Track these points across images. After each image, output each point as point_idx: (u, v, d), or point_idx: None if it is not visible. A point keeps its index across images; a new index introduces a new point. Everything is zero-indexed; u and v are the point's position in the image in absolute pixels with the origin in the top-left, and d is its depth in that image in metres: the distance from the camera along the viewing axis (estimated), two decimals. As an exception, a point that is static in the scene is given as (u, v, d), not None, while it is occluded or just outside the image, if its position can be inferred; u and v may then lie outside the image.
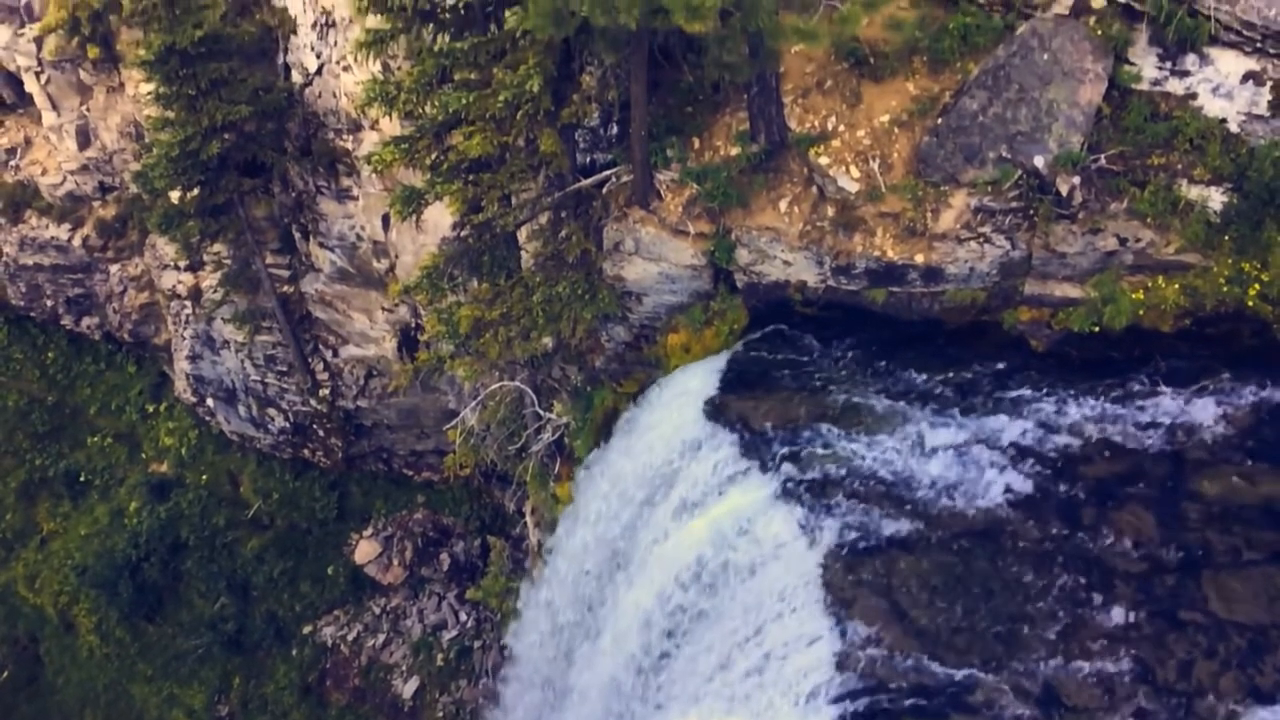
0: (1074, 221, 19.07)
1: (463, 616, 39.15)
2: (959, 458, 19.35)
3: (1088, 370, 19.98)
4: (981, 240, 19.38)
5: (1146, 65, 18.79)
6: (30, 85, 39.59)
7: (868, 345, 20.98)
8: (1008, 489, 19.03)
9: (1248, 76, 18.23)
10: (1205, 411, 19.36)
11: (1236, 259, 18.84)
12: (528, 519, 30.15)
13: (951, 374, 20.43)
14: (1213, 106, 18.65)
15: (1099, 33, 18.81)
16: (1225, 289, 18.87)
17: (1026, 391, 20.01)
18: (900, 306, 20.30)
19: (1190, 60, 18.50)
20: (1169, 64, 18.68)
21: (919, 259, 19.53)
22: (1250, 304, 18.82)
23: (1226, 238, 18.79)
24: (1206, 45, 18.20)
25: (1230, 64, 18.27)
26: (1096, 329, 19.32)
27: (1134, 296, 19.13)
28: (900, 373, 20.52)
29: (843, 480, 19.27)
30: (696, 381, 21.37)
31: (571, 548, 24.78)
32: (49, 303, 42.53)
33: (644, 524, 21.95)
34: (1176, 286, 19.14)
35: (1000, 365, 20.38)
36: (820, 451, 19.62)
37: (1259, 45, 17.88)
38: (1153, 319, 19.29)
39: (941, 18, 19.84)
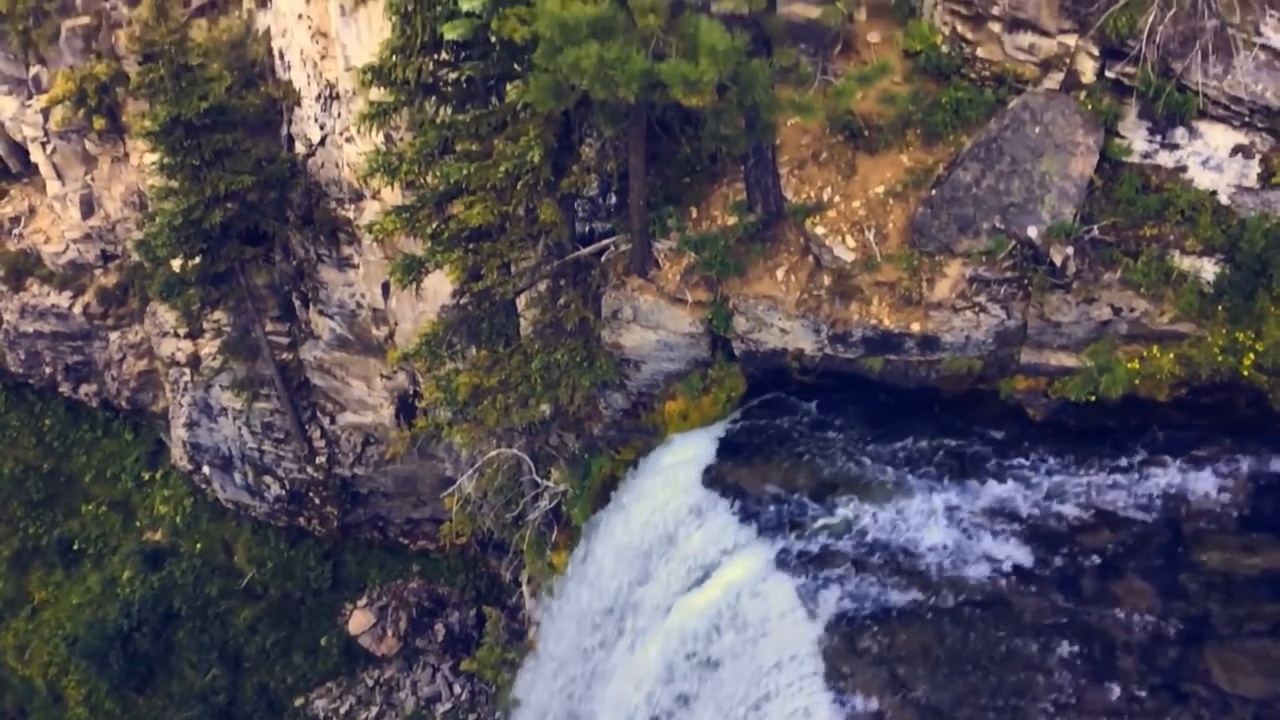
0: (1068, 291, 19.22)
1: (457, 689, 38.56)
2: (958, 527, 19.26)
3: (1085, 439, 19.98)
4: (977, 310, 19.51)
5: (1137, 139, 19.09)
6: (36, 155, 40.13)
7: (865, 413, 21.00)
8: (1008, 559, 18.92)
9: (1237, 150, 18.50)
10: (1204, 481, 19.33)
11: (1231, 329, 18.95)
12: (524, 588, 29.85)
13: (949, 442, 20.42)
14: (1203, 179, 18.91)
15: (1089, 107, 19.14)
16: (1220, 359, 18.95)
17: (1025, 460, 19.99)
18: (897, 375, 20.36)
19: (1180, 134, 18.79)
20: (1159, 137, 18.97)
21: (915, 328, 19.64)
22: (1245, 374, 18.90)
23: (1220, 308, 18.92)
24: (1195, 119, 18.47)
25: (1219, 137, 18.54)
26: (1093, 398, 19.36)
27: (1130, 366, 19.20)
28: (898, 441, 20.51)
29: (841, 549, 19.16)
30: (694, 449, 21.34)
31: (567, 619, 24.50)
32: (48, 370, 42.56)
33: (641, 595, 21.74)
34: (1172, 356, 19.23)
35: (998, 434, 20.39)
36: (819, 520, 19.54)
37: (1247, 119, 18.17)
38: (1149, 388, 19.35)
39: (934, 92, 20.20)
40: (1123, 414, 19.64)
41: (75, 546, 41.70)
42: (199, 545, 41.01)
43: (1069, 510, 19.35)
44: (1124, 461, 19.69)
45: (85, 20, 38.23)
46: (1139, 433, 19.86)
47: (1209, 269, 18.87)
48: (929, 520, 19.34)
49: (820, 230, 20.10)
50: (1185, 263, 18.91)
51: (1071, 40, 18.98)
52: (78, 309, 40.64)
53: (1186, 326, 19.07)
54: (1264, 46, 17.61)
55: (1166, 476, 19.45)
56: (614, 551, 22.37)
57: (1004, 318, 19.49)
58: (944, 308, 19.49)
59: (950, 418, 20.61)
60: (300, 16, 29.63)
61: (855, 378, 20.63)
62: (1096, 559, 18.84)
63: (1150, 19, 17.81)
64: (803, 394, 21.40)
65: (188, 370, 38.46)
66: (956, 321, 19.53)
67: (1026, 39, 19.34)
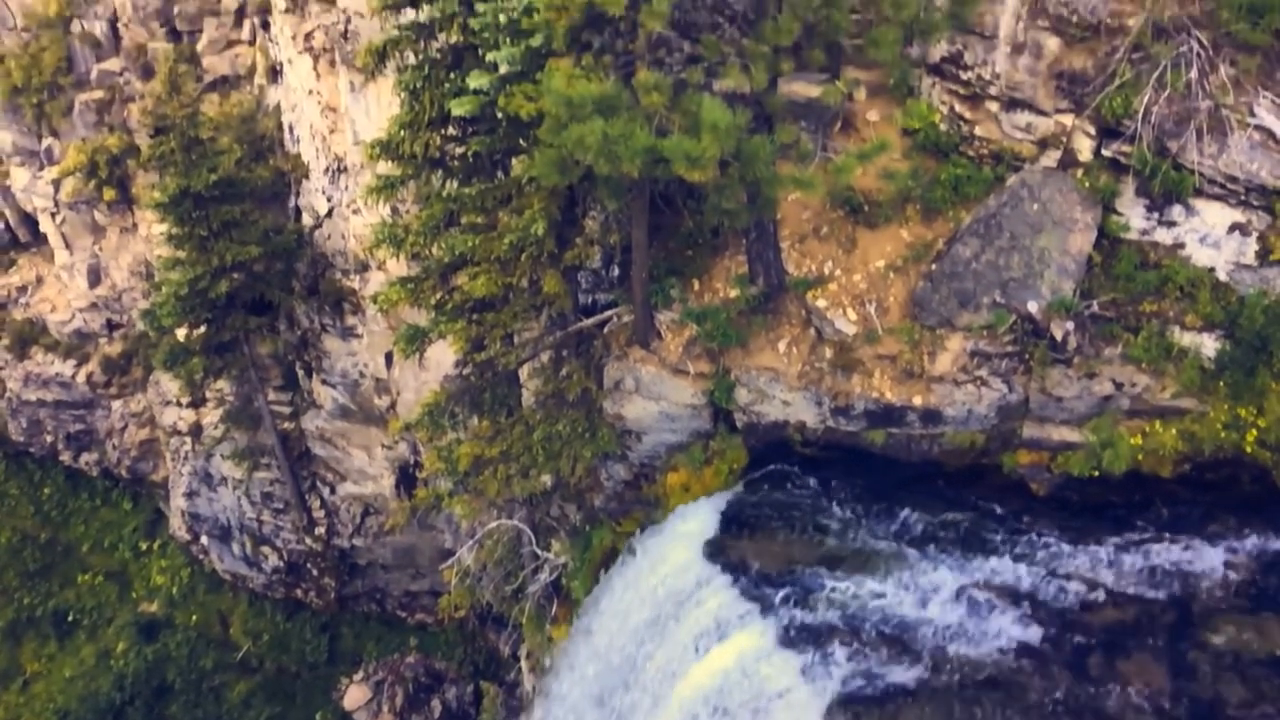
0: (1069, 366, 19.26)
1: (454, 767, 37.81)
2: (962, 603, 19.05)
3: (1089, 515, 19.84)
4: (978, 383, 19.53)
5: (1134, 216, 19.28)
6: (45, 225, 40.60)
7: (868, 487, 20.89)
8: (1013, 636, 18.68)
9: (1234, 227, 18.67)
10: (1209, 559, 19.14)
11: (1232, 405, 18.93)
12: (523, 663, 29.42)
13: (953, 517, 20.28)
14: (1201, 256, 19.06)
15: (1086, 185, 19.38)
16: (1223, 435, 18.90)
17: (1029, 536, 19.82)
18: (900, 448, 20.31)
19: (1177, 211, 18.98)
20: (1156, 215, 19.16)
21: (917, 401, 19.65)
22: (1249, 450, 18.83)
23: (1221, 384, 18.92)
24: (1192, 197, 18.67)
25: (1216, 215, 18.73)
26: (1096, 473, 19.27)
27: (1132, 441, 19.14)
28: (901, 515, 20.38)
29: (845, 625, 18.93)
30: (696, 522, 21.20)
31: (568, 695, 24.12)
32: (49, 438, 42.53)
33: (643, 670, 21.43)
34: (1174, 431, 19.18)
35: (1001, 509, 20.25)
36: (822, 595, 19.33)
37: (1243, 198, 18.37)
38: (1152, 464, 19.27)
39: (933, 169, 20.48)
40: (1126, 489, 19.52)
41: (70, 618, 41.23)
42: (195, 617, 40.55)
43: (1074, 587, 19.14)
44: (1129, 538, 19.52)
45: (99, 94, 38.99)
46: (1143, 509, 19.72)
47: (1209, 345, 18.92)
48: (933, 596, 19.13)
49: (821, 303, 20.23)
50: (1185, 339, 18.96)
51: (1068, 120, 19.29)
52: (81, 378, 40.76)
53: (1188, 402, 19.06)
54: (1258, 127, 17.87)
55: (1172, 554, 19.27)
56: (615, 625, 22.10)
57: (1005, 392, 19.50)
58: (945, 381, 19.52)
59: (953, 492, 20.51)
60: (310, 92, 30.20)
61: (858, 451, 20.57)
62: (1103, 637, 18.58)
63: (1145, 100, 18.12)
64: (805, 466, 21.32)
65: (189, 439, 38.43)
66: (958, 395, 19.54)
67: (1023, 118, 19.66)
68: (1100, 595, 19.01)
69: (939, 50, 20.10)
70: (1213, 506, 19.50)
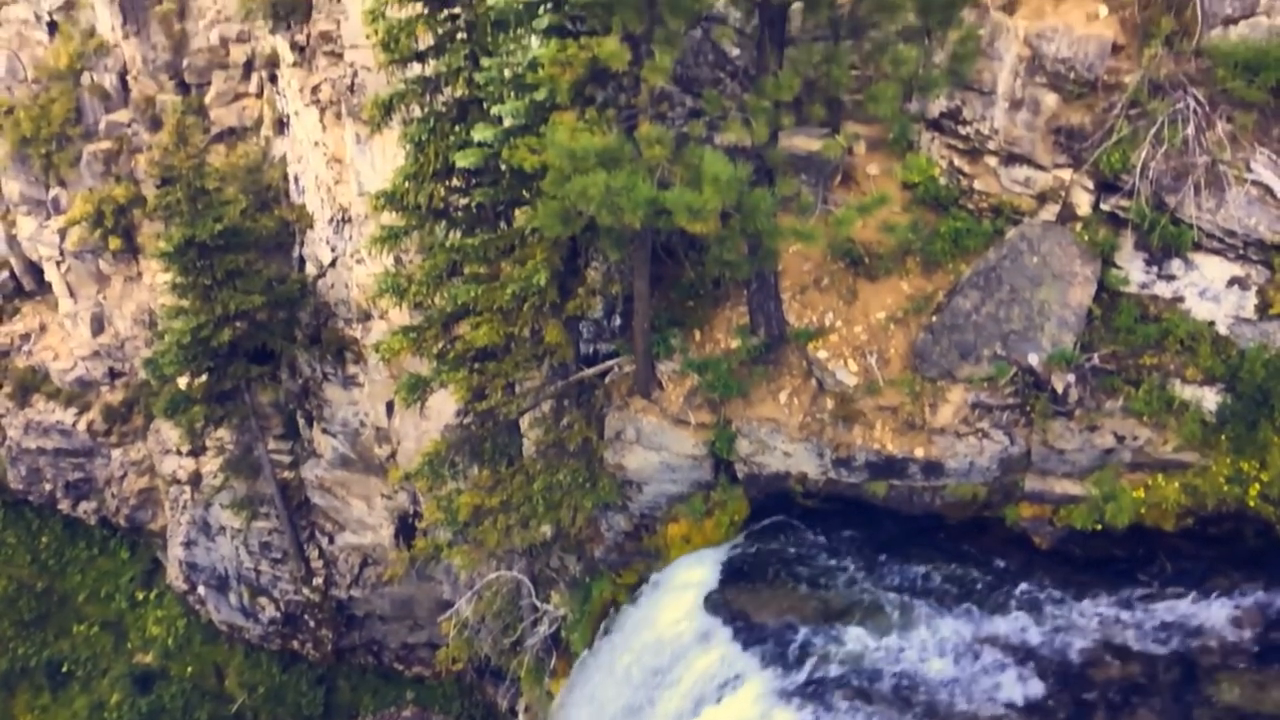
0: (1071, 419, 19.24)
1: (449, 823, 37.20)
2: (965, 657, 18.86)
3: (1093, 569, 19.71)
4: (980, 435, 19.51)
5: (1133, 269, 19.38)
6: (50, 274, 40.84)
7: (870, 539, 20.78)
8: (1016, 692, 18.45)
9: (1233, 281, 18.75)
10: (1214, 614, 18.97)
11: (1235, 458, 18.87)
12: (521, 717, 29.07)
13: (955, 570, 20.15)
14: (1201, 309, 19.12)
15: (1085, 238, 19.49)
16: (1226, 488, 18.82)
17: (1032, 590, 19.67)
18: (902, 500, 20.23)
19: (1176, 265, 19.07)
20: (1155, 268, 19.25)
21: (919, 453, 19.61)
22: (1252, 504, 18.74)
23: (1223, 437, 18.89)
24: (1191, 251, 18.77)
25: (1215, 269, 18.82)
26: (1099, 527, 19.18)
27: (1135, 495, 19.07)
28: (903, 568, 20.25)
29: (847, 679, 18.72)
30: (697, 574, 21.06)
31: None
32: (48, 486, 42.41)
33: (641, 724, 21.18)
34: (1177, 485, 19.11)
35: (1004, 562, 20.13)
36: (823, 650, 19.14)
37: (1241, 252, 18.47)
38: (1155, 517, 19.18)
39: (933, 222, 20.63)
40: (1130, 543, 19.41)
41: (65, 668, 40.82)
42: (190, 668, 40.13)
43: (1078, 642, 18.96)
44: (1133, 593, 19.37)
45: (106, 145, 39.43)
46: (1147, 563, 19.59)
47: (1210, 398, 18.92)
48: (935, 651, 18.94)
49: (822, 354, 20.27)
50: (1186, 392, 18.96)
51: (1066, 174, 19.46)
52: (82, 426, 40.74)
53: (1190, 456, 19.01)
54: (1255, 182, 18.01)
55: (1177, 609, 19.10)
56: (614, 679, 21.86)
57: (1007, 444, 19.47)
58: (947, 433, 19.50)
59: (956, 545, 20.39)
60: (316, 144, 30.53)
61: (859, 503, 20.49)
62: (1107, 693, 18.37)
63: (1143, 155, 18.30)
64: (806, 518, 21.23)
65: (188, 488, 38.32)
66: (960, 447, 19.51)
67: (1022, 172, 19.84)
68: (1104, 651, 18.82)
69: (938, 106, 20.34)
70: (1217, 561, 19.37)
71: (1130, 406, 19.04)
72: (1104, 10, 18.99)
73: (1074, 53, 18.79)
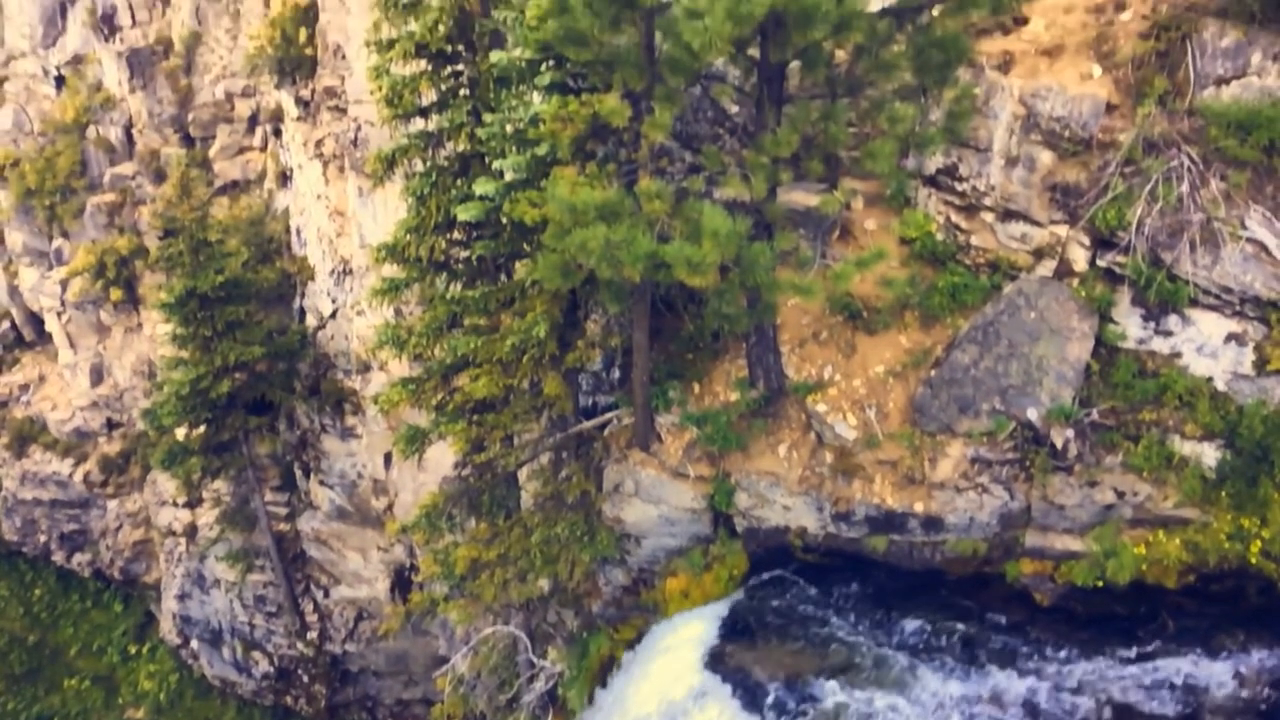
0: (1070, 474, 19.19)
1: None
2: (968, 716, 18.62)
3: (1094, 626, 19.53)
4: (980, 490, 19.45)
5: (1131, 325, 19.45)
6: (51, 324, 40.96)
7: (870, 594, 20.62)
8: (1019, 752, 18.24)
9: (1230, 337, 18.81)
10: (1218, 673, 18.76)
11: (1236, 515, 18.79)
12: (516, 776, 28.61)
13: (957, 627, 19.96)
14: (1198, 365, 19.15)
15: (1083, 294, 19.59)
16: (1227, 545, 18.71)
17: (1034, 647, 19.48)
18: (902, 555, 20.12)
19: (1173, 321, 19.15)
20: (1153, 324, 19.32)
21: (918, 507, 19.53)
22: (1254, 561, 18.62)
23: (1224, 493, 18.82)
24: (1187, 307, 18.84)
25: (1212, 325, 18.89)
26: (1101, 583, 19.03)
27: (1136, 551, 18.96)
28: (903, 624, 20.07)
29: (847, 739, 18.49)
30: (696, 629, 20.86)
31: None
32: (42, 538, 42.15)
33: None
34: (1178, 541, 19.00)
35: (1005, 619, 19.95)
36: (824, 707, 18.90)
37: (1238, 309, 18.55)
38: (1156, 574, 19.05)
39: (930, 276, 20.75)
40: (1132, 600, 19.25)
41: (54, 724, 40.29)
42: (181, 724, 39.60)
43: (1082, 701, 18.73)
44: (1136, 651, 19.17)
45: (110, 197, 39.78)
46: (1149, 620, 19.42)
47: (1210, 454, 18.88)
48: (937, 710, 18.71)
49: (822, 407, 20.27)
50: (1186, 448, 18.94)
51: (1063, 230, 19.61)
52: (78, 476, 40.60)
53: (1191, 512, 18.93)
54: (1250, 239, 18.15)
55: (1180, 667, 18.89)
56: (611, 736, 21.58)
57: (1007, 499, 19.40)
58: (947, 488, 19.44)
59: (957, 601, 20.22)
60: (319, 197, 30.79)
61: (859, 558, 20.37)
62: (1112, 753, 18.15)
63: (1138, 212, 18.45)
64: (806, 573, 21.08)
65: (184, 540, 38.09)
66: (960, 502, 19.44)
67: (1019, 228, 19.99)
68: (1107, 710, 18.60)
69: (934, 162, 20.56)
70: (1220, 619, 19.20)
71: (1130, 462, 18.99)
72: (1098, 70, 19.28)
73: (1068, 111, 19.04)
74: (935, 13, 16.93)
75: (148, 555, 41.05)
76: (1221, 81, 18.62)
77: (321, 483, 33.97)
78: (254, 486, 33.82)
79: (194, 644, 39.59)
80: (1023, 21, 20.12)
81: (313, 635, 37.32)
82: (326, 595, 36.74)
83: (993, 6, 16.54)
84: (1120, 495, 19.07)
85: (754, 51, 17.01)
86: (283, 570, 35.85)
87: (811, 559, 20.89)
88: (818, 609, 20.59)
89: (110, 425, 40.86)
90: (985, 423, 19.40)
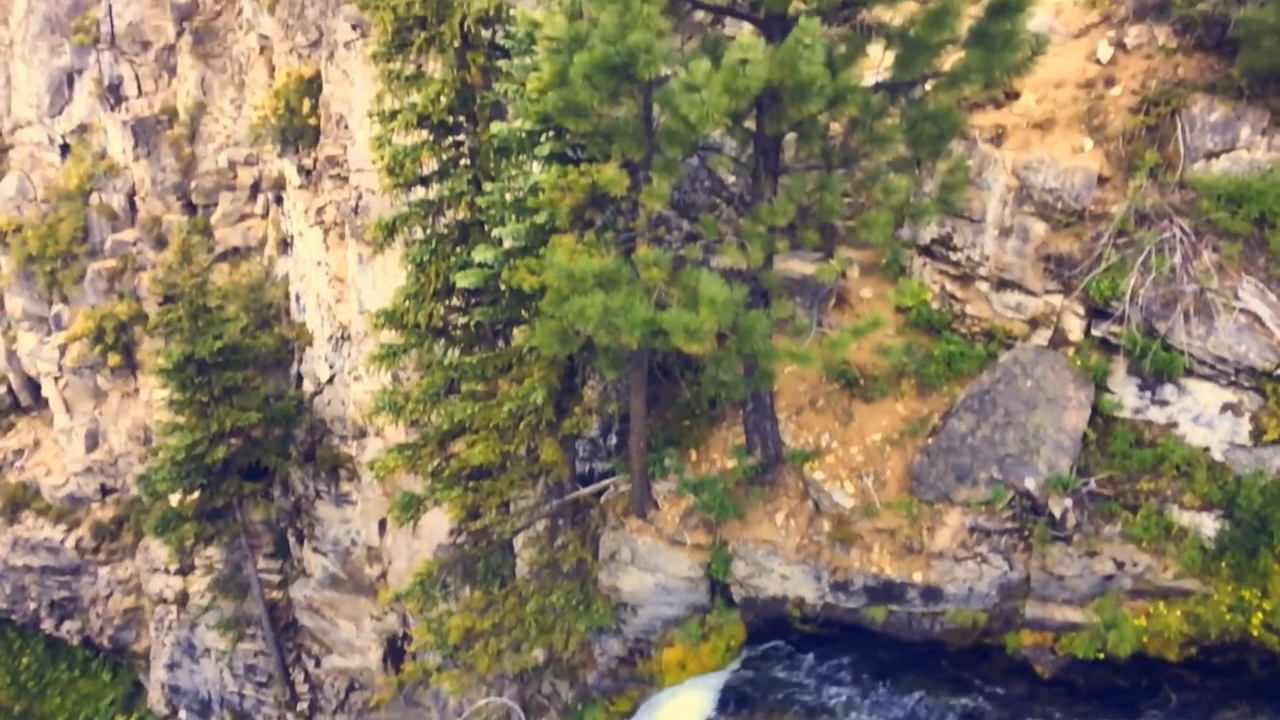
0: (1069, 544, 19.07)
1: None
2: (968, 792, 18.31)
3: (1096, 699, 19.29)
4: (979, 560, 19.32)
5: (1127, 394, 19.49)
6: (48, 389, 40.93)
7: (869, 666, 20.36)
8: (1022, 829, 17.87)
9: (1226, 407, 18.84)
10: (1224, 749, 18.53)
11: (1236, 586, 18.65)
12: None
13: (956, 700, 19.71)
14: (1195, 435, 19.15)
15: (1078, 363, 19.66)
16: (1228, 617, 18.55)
17: (1035, 721, 19.25)
18: (901, 626, 19.91)
19: (1169, 391, 19.19)
20: (1149, 394, 19.36)
21: (917, 577, 19.38)
22: (1255, 634, 18.45)
23: (1223, 565, 18.70)
24: (1183, 377, 18.90)
25: (1208, 395, 18.93)
26: (1101, 655, 18.83)
27: (1137, 623, 18.78)
28: (902, 698, 19.80)
29: (846, 815, 18.13)
30: (693, 702, 20.57)
31: None
32: (32, 605, 41.65)
33: None
34: (1179, 613, 18.84)
35: (1006, 692, 19.70)
36: (821, 783, 18.59)
37: (1233, 379, 18.61)
38: (1158, 646, 18.86)
39: (926, 345, 20.83)
40: (1133, 673, 19.03)
41: (36, 797, 39.45)
42: (166, 798, 38.75)
43: (1084, 776, 18.46)
44: (1139, 725, 18.95)
45: (111, 263, 40.04)
46: (1151, 694, 19.18)
47: (1209, 525, 18.80)
48: (937, 785, 18.41)
49: (819, 475, 20.21)
50: (1184, 518, 18.86)
51: (1057, 300, 19.75)
52: (70, 543, 40.26)
53: (1191, 583, 18.80)
54: (1243, 310, 18.28)
55: (1185, 742, 18.67)
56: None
57: (1006, 569, 19.26)
58: (945, 557, 19.31)
59: (956, 673, 19.98)
60: (319, 263, 31.01)
61: (858, 628, 20.15)
62: (1117, 831, 17.79)
63: (1132, 283, 18.62)
64: (804, 644, 20.84)
65: (174, 608, 37.65)
66: (959, 572, 19.29)
67: (1013, 298, 20.14)
68: (1111, 786, 18.31)
69: (929, 232, 20.77)
70: (1223, 693, 18.96)
71: (1129, 532, 18.90)
72: (1089, 143, 19.59)
73: (1061, 183, 19.30)
74: (928, 87, 17.23)
75: (138, 623, 40.53)
76: (1211, 155, 18.92)
77: (315, 550, 33.69)
78: (247, 553, 33.53)
79: (182, 714, 38.89)
80: (1014, 96, 20.47)
81: (303, 706, 36.69)
82: (318, 665, 36.21)
83: (984, 81, 16.81)
84: (1120, 566, 18.94)
85: (750, 124, 17.29)
86: (274, 639, 35.37)
87: (810, 629, 20.67)
88: (816, 681, 20.32)
89: (104, 491, 40.62)
90: (983, 492, 19.34)
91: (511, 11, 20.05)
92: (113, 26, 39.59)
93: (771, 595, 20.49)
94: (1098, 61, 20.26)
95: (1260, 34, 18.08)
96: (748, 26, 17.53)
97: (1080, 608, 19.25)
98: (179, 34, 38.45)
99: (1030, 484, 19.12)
